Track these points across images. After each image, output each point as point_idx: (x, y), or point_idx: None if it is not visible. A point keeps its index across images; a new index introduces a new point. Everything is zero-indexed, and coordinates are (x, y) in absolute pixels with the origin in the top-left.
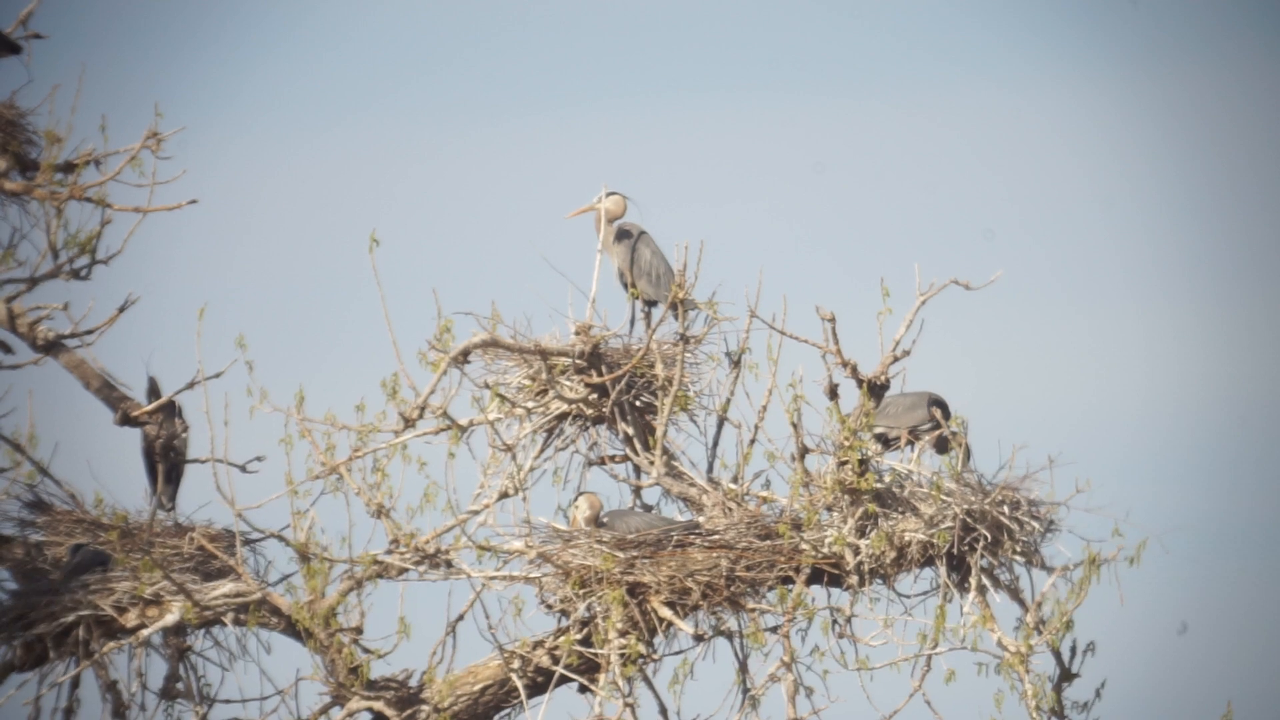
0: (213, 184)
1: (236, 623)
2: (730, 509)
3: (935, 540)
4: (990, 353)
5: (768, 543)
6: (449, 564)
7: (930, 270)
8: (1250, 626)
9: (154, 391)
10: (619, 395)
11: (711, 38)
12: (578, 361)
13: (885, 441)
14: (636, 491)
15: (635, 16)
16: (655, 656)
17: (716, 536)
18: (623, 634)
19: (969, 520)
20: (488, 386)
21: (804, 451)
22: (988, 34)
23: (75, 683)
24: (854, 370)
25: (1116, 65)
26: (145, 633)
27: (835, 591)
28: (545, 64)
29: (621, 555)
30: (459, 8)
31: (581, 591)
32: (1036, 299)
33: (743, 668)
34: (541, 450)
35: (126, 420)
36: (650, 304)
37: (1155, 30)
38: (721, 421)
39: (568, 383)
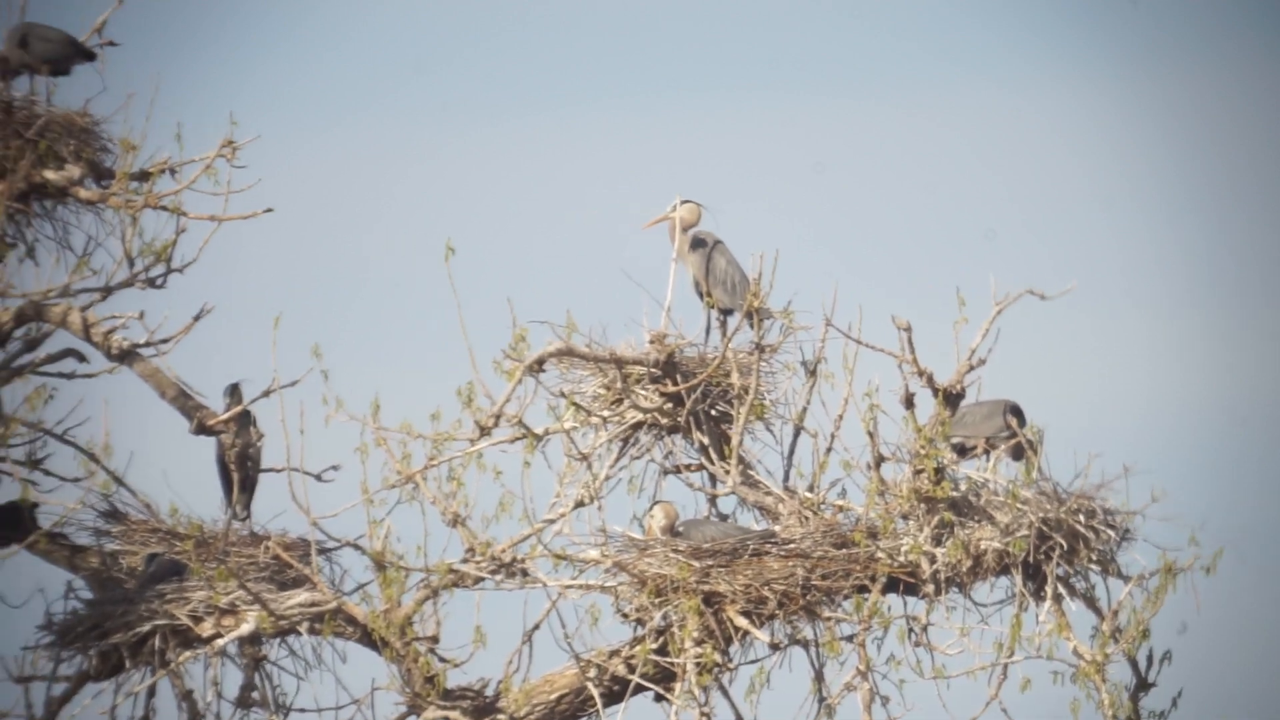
0: (288, 192)
1: (312, 632)
2: (806, 518)
3: (1011, 549)
4: (1062, 360)
5: (843, 551)
6: (525, 573)
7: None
8: None
9: (236, 395)
10: (694, 404)
11: (712, 38)
12: (653, 370)
13: (962, 450)
14: (712, 500)
15: (637, 16)
16: (731, 665)
17: (792, 545)
18: (698, 643)
19: (1045, 529)
20: (563, 395)
21: (880, 460)
22: (987, 34)
23: (151, 692)
24: (930, 379)
25: (1116, 65)
26: (221, 642)
27: (911, 600)
28: (566, 62)
29: (697, 564)
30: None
31: (657, 600)
32: (1104, 304)
33: (819, 676)
34: (617, 459)
35: (202, 429)
36: (725, 312)
37: (1155, 30)
38: (797, 430)
39: (643, 392)
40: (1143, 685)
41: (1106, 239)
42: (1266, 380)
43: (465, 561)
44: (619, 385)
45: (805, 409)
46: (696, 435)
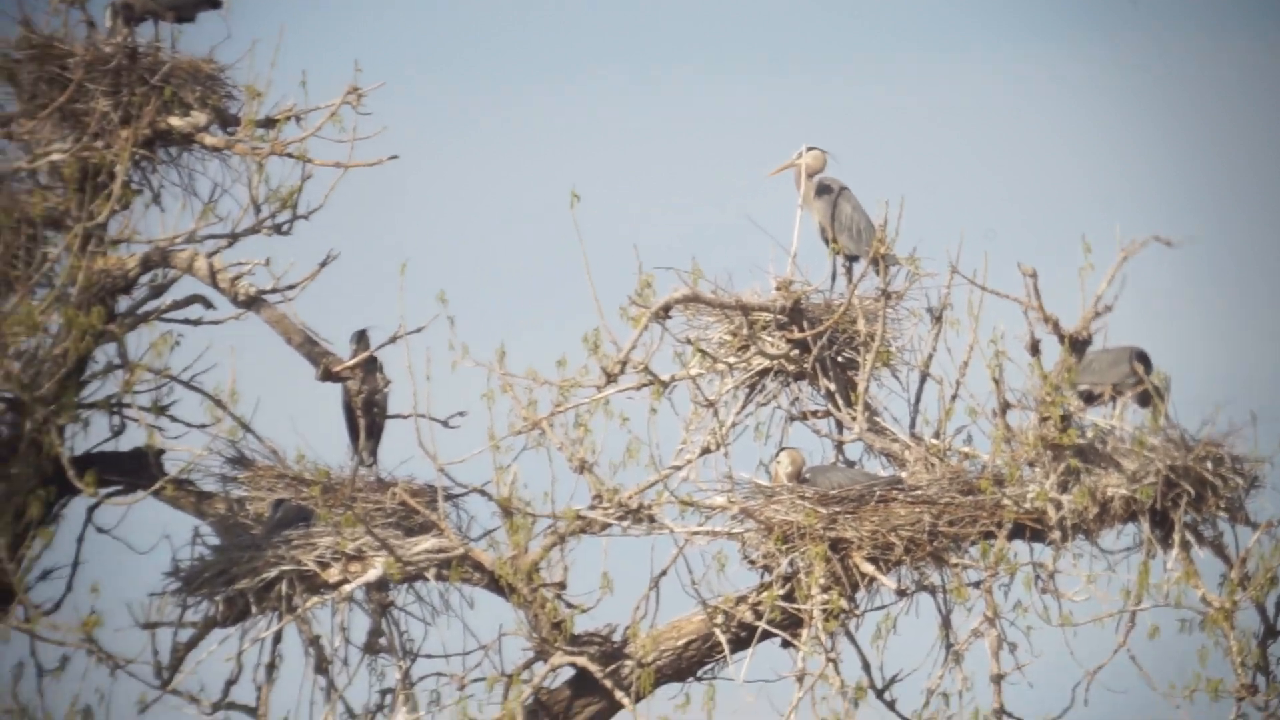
0: (413, 139)
1: (439, 578)
2: (932, 464)
3: (1138, 496)
4: (1189, 306)
5: (970, 498)
6: (651, 519)
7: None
8: None
9: (363, 342)
10: (821, 351)
11: None
12: (779, 317)
13: (1088, 397)
14: (839, 447)
15: None
16: (858, 612)
17: (919, 492)
18: (825, 589)
19: (1172, 476)
20: (689, 342)
21: (1005, 407)
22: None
23: (277, 638)
24: (1055, 326)
25: (1118, 64)
26: (348, 588)
27: (1038, 547)
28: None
29: (824, 511)
30: None
31: (784, 547)
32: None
33: (945, 623)
34: (743, 406)
35: (328, 375)
36: (851, 259)
37: (1156, 30)
38: (923, 377)
39: (769, 338)
40: (1271, 632)
41: (1235, 184)
42: None
43: (592, 508)
44: (745, 331)
45: (931, 355)
46: (823, 382)
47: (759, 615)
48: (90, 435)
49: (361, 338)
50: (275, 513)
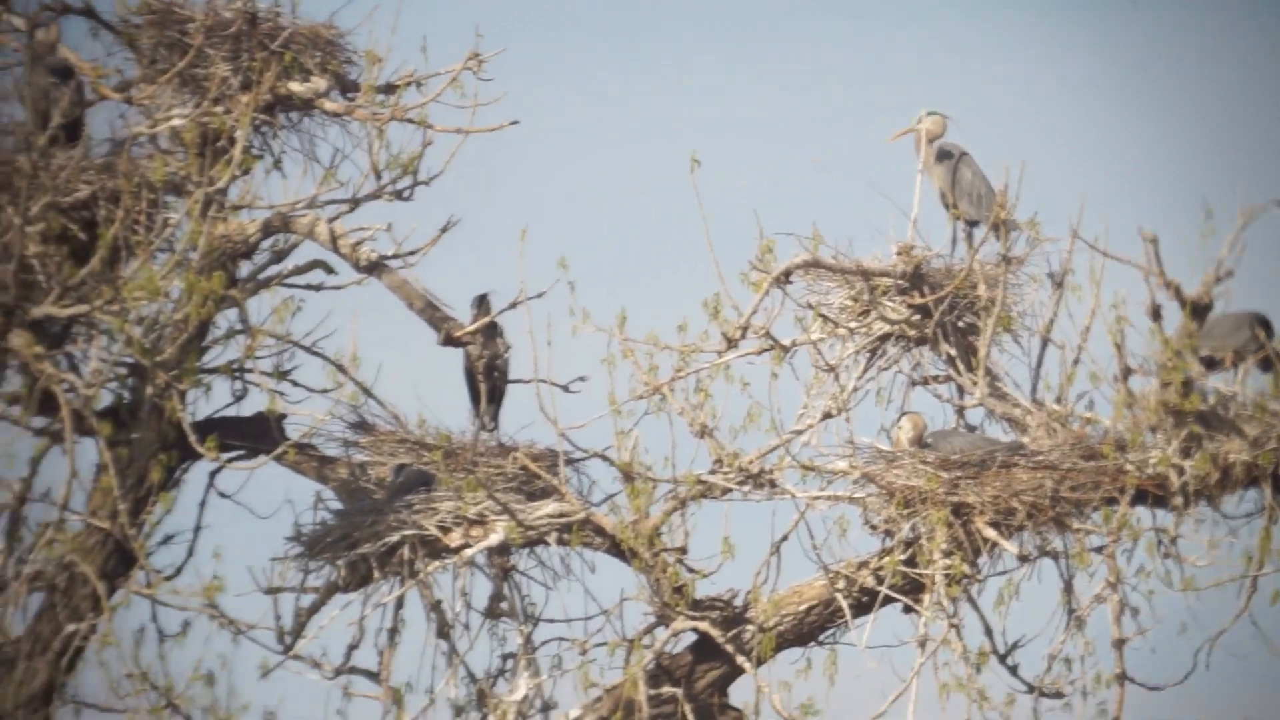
0: (533, 104)
1: (560, 542)
2: (1054, 429)
3: (1260, 461)
4: None
5: (1091, 463)
6: (773, 484)
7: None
8: None
9: (484, 306)
10: (942, 316)
11: None
12: (900, 282)
13: (1210, 363)
14: (960, 412)
15: None
16: (980, 577)
17: (1040, 457)
18: (947, 554)
19: None
20: (810, 307)
21: (1127, 372)
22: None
23: (399, 603)
24: (1177, 291)
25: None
26: (469, 552)
27: (1160, 512)
28: None
29: (946, 475)
30: None
31: (906, 512)
32: None
33: (1068, 588)
34: (864, 370)
35: (449, 340)
36: (972, 224)
37: (1155, 30)
38: (1044, 342)
39: (890, 303)
40: None
41: None
42: None
43: (713, 472)
44: (866, 297)
45: (1052, 321)
46: (944, 347)
47: (880, 580)
48: (212, 400)
49: (482, 302)
50: (397, 477)
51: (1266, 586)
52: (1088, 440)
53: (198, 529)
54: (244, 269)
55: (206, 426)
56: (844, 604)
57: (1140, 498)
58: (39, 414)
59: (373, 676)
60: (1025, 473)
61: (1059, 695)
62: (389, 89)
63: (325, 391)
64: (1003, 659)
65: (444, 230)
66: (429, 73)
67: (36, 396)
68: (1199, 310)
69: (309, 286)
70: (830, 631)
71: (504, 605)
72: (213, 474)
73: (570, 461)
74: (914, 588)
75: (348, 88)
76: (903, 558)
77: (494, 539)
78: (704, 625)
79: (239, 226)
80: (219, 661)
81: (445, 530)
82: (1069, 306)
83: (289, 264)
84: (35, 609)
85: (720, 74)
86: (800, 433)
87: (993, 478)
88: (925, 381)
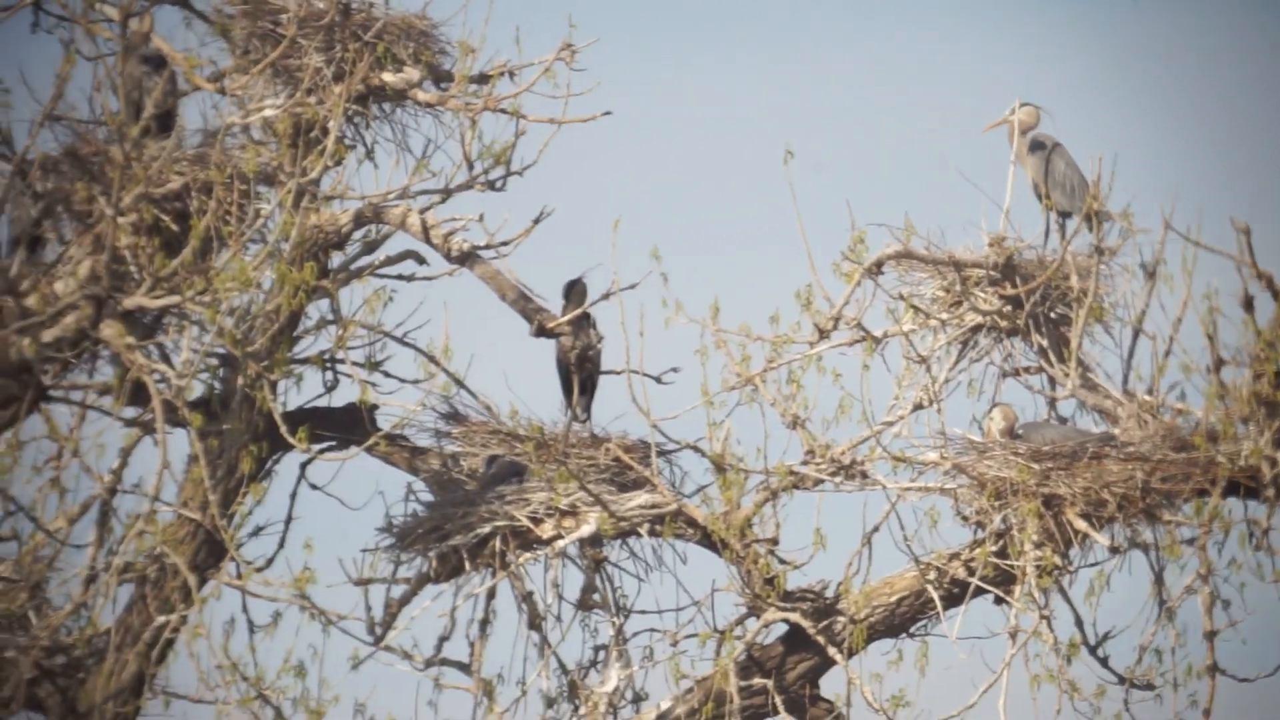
0: (626, 95)
1: (652, 534)
2: (1145, 421)
3: None
4: None
5: (1183, 455)
6: (864, 475)
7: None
8: None
9: (575, 295)
10: (1033, 307)
11: None
12: (991, 273)
13: None
14: (1051, 403)
15: None
16: (1071, 568)
17: (1132, 449)
18: (1038, 545)
19: None
20: (902, 298)
21: (1219, 363)
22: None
23: (491, 594)
24: (1269, 282)
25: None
26: (561, 544)
27: (1251, 504)
28: None
29: (1037, 466)
30: None
31: (997, 503)
32: None
33: (1159, 580)
34: (956, 362)
35: (542, 331)
36: (1064, 215)
37: (1155, 30)
38: (1136, 333)
39: (982, 294)
40: None
41: None
42: None
43: (805, 463)
44: (958, 288)
45: (1144, 312)
46: (1035, 338)
47: (971, 572)
48: (303, 391)
49: (574, 286)
50: (489, 468)
51: None
52: (1179, 432)
53: (288, 520)
54: (336, 260)
55: (298, 417)
56: (935, 595)
57: (1232, 489)
58: (130, 405)
59: (464, 668)
60: (1116, 464)
61: (1150, 687)
62: (482, 79)
63: (417, 382)
64: (1093, 650)
65: (537, 221)
66: (522, 63)
67: (128, 387)
68: None
69: (401, 277)
70: (921, 623)
71: (596, 597)
72: (304, 465)
73: (662, 453)
74: (1005, 579)
75: (441, 78)
76: (994, 549)
77: (586, 530)
78: (795, 616)
79: (331, 217)
80: (310, 653)
81: (537, 521)
82: (1161, 297)
83: (381, 255)
84: (125, 600)
85: (813, 63)
86: (891, 424)
87: (1084, 469)
88: (1017, 373)
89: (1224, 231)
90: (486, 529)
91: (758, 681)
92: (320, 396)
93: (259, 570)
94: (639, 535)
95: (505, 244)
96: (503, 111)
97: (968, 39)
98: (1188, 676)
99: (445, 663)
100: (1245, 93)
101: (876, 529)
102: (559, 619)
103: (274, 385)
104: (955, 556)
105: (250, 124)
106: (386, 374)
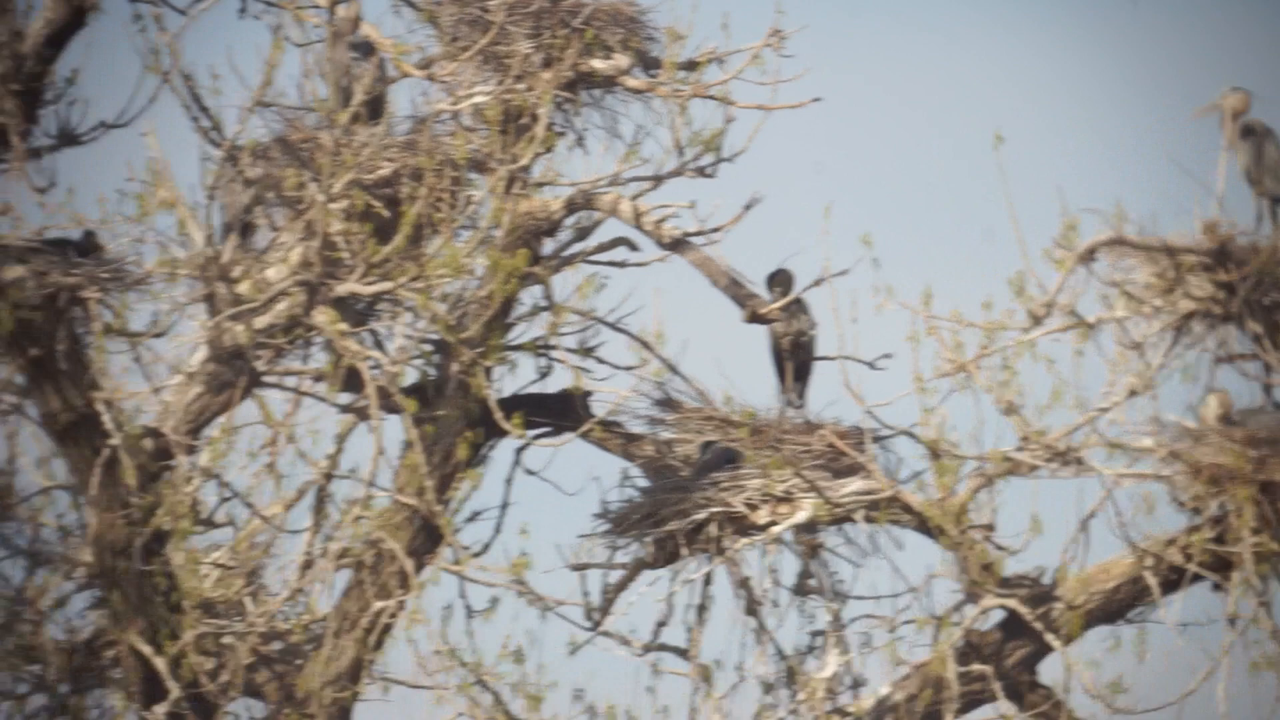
0: (835, 81)
1: (867, 520)
2: None
3: None
4: None
5: None
6: (1079, 461)
7: None
8: None
9: (780, 279)
10: (1248, 293)
11: None
12: (1205, 259)
13: None
14: (1267, 389)
15: None
16: None
17: None
18: (1255, 531)
19: None
20: (1114, 284)
21: None
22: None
23: (707, 580)
24: None
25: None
26: (777, 530)
27: None
28: None
29: (1253, 453)
30: None
31: (1213, 489)
32: None
33: None
34: (1170, 348)
35: (754, 317)
36: (1277, 201)
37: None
38: None
39: (1195, 280)
40: None
41: None
42: None
43: (1019, 450)
44: (1171, 274)
45: None
46: (1250, 324)
47: (1188, 558)
48: (517, 377)
49: (774, 278)
50: (703, 454)
51: None
52: None
53: (504, 505)
54: (548, 246)
55: (512, 403)
56: (1152, 581)
57: None
58: (344, 391)
59: (681, 653)
60: None
61: None
62: (691, 66)
63: (630, 368)
64: None
65: (747, 207)
66: (730, 49)
67: (342, 374)
68: None
69: (612, 263)
70: (1138, 609)
71: (812, 582)
72: (519, 451)
73: (877, 439)
74: (1222, 565)
75: (649, 64)
76: (1211, 535)
77: (801, 516)
78: (1012, 603)
79: (542, 204)
80: (527, 638)
81: (752, 507)
82: None
83: (592, 241)
84: (343, 586)
85: (1024, 48)
86: (1106, 410)
87: None
88: (1231, 359)
89: None
90: (702, 515)
91: (975, 668)
92: (534, 383)
93: (476, 556)
94: (854, 521)
95: (716, 230)
96: (711, 98)
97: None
98: None
99: (663, 648)
100: (1009, 84)
101: (1092, 515)
102: (776, 604)
103: (488, 371)
104: (1172, 542)
105: (460, 110)
106: (600, 360)
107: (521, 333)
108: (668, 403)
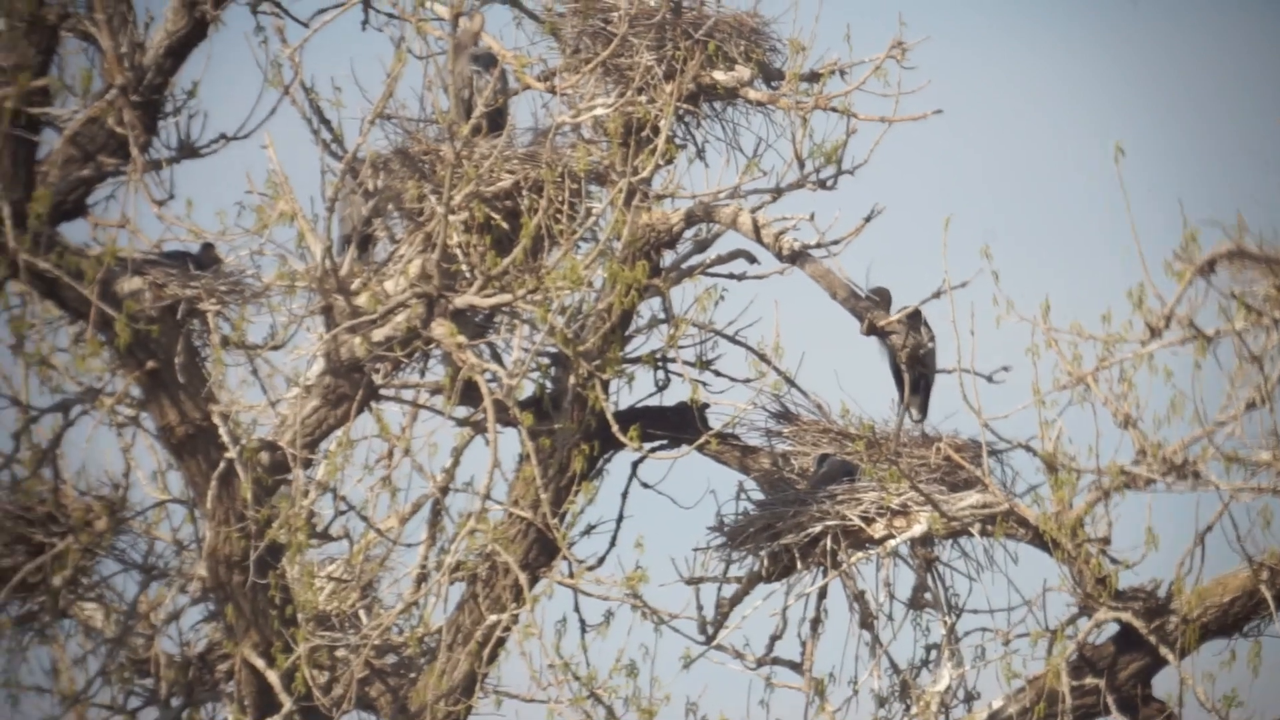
0: (957, 93)
1: (983, 533)
2: None
3: None
4: None
5: None
6: (1196, 475)
7: None
8: None
9: (885, 302)
10: None
11: None
12: None
13: None
14: None
15: None
16: None
17: None
18: None
19: None
20: (1234, 296)
21: None
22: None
23: (822, 593)
24: None
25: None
26: (893, 543)
27: None
28: None
29: None
30: None
31: None
32: None
33: None
34: None
35: (873, 330)
36: None
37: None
38: None
39: None
40: None
41: None
42: None
43: (1136, 463)
44: None
45: None
46: None
47: None
48: (635, 390)
49: (874, 294)
50: (820, 467)
51: None
52: None
53: (620, 519)
54: (667, 258)
55: (629, 416)
56: (1268, 596)
57: None
58: (461, 404)
59: (795, 667)
60: None
61: None
62: (813, 78)
63: (748, 381)
64: None
65: (868, 219)
66: (852, 61)
67: (459, 387)
68: None
69: (731, 276)
70: (1254, 623)
71: (927, 596)
72: (635, 464)
73: (993, 452)
74: None
75: (771, 76)
76: None
77: (917, 529)
78: (1127, 616)
79: (662, 216)
80: (641, 652)
81: (868, 521)
82: None
83: (712, 253)
84: (457, 599)
85: (1143, 60)
86: (1223, 423)
87: None
88: None
89: None
90: (817, 528)
91: (1089, 681)
92: (651, 395)
93: (590, 569)
94: (970, 534)
95: (836, 243)
96: (833, 110)
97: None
98: None
99: (777, 662)
100: (1244, 92)
101: (1209, 528)
102: (890, 618)
103: (605, 384)
104: None
105: (581, 123)
106: (717, 373)
107: (639, 345)
108: (785, 415)
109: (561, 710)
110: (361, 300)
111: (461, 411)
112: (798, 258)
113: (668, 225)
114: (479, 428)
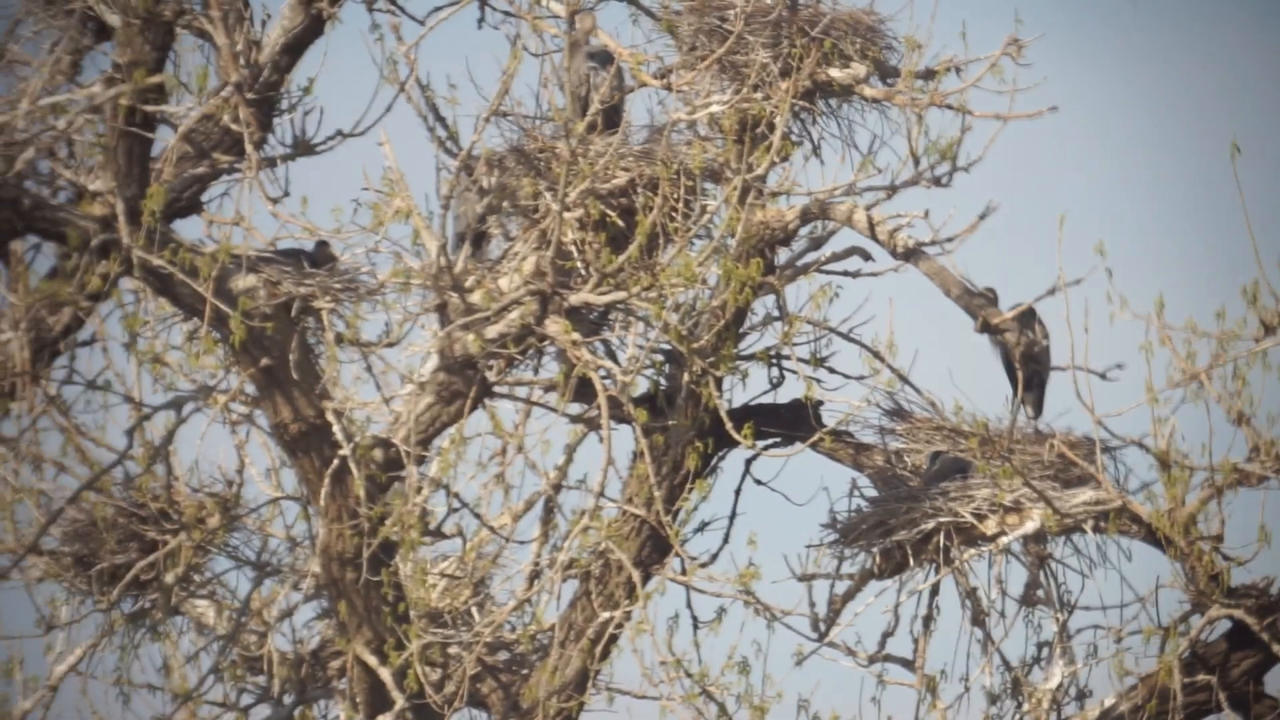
0: (1072, 90)
1: (1096, 530)
2: None
3: None
4: None
5: None
6: None
7: None
8: None
9: (991, 300)
10: None
11: None
12: None
13: None
14: None
15: None
16: None
17: None
18: None
19: None
20: None
21: None
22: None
23: (934, 590)
24: None
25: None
26: (1005, 540)
27: None
28: None
29: None
30: None
31: None
32: None
33: None
34: None
35: (986, 327)
36: None
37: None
38: None
39: None
40: None
41: None
42: None
43: (1250, 460)
44: None
45: None
46: None
47: None
48: (749, 387)
49: (991, 294)
50: (933, 464)
51: None
52: None
53: (733, 516)
54: (782, 256)
55: (743, 413)
56: None
57: None
58: (575, 401)
59: (907, 664)
60: None
61: None
62: (928, 75)
63: (861, 378)
64: None
65: (983, 217)
66: (968, 58)
67: (573, 383)
68: None
69: (846, 273)
70: None
71: (1040, 593)
72: (749, 461)
73: (1107, 449)
74: None
75: (887, 74)
76: None
77: (1030, 526)
78: (1239, 613)
79: (777, 213)
80: (754, 648)
81: (981, 518)
82: None
83: (826, 251)
84: (570, 596)
85: (1259, 56)
86: None
87: None
88: None
89: None
90: (930, 525)
91: (1201, 678)
92: (765, 393)
93: (703, 566)
94: (1083, 531)
95: (950, 240)
96: (949, 107)
97: None
98: None
99: (888, 659)
100: (1244, 93)
101: None
102: (1003, 615)
103: (719, 381)
104: None
105: (696, 120)
106: (831, 370)
107: (754, 342)
108: (898, 413)
109: (673, 707)
110: (476, 297)
111: (575, 408)
112: (912, 255)
113: (782, 222)
114: (592, 425)
